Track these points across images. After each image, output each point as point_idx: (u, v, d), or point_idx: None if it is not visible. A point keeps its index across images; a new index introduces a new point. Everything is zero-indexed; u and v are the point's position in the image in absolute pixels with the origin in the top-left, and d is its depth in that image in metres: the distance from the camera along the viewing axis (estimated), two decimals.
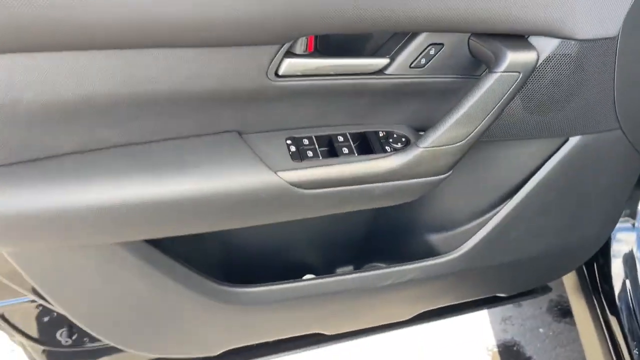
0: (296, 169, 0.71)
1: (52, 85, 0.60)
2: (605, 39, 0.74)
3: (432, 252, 0.98)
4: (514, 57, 0.68)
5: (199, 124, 0.72)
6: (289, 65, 0.68)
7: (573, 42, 0.73)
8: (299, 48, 0.69)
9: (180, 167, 0.69)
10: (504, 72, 0.69)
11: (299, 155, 0.73)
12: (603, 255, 1.26)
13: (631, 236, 1.27)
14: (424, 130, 0.78)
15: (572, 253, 1.06)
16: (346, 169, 0.73)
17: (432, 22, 0.67)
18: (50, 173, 0.66)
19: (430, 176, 0.76)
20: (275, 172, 0.70)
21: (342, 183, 0.73)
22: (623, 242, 1.25)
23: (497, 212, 0.92)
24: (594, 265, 1.29)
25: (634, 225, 1.24)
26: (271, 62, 0.66)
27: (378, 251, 1.06)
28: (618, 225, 1.25)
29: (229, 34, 0.61)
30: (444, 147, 0.73)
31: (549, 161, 0.87)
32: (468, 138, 0.73)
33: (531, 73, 0.71)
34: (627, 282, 1.24)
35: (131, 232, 0.72)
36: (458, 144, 0.73)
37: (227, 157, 0.71)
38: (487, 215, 0.94)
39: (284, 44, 0.65)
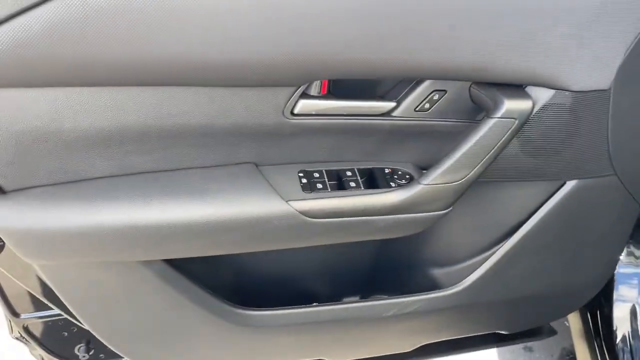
0: (306, 199, 0.78)
1: (91, 116, 0.68)
2: (598, 91, 0.80)
3: (434, 287, 1.02)
4: (511, 105, 0.75)
5: (221, 155, 0.79)
6: (303, 105, 0.75)
7: (567, 93, 0.79)
8: (314, 90, 0.76)
9: (202, 193, 0.76)
10: (500, 118, 0.75)
11: (309, 187, 0.79)
12: (606, 299, 1.28)
13: (634, 280, 1.30)
14: (426, 168, 0.84)
15: (571, 295, 1.10)
16: (352, 201, 0.79)
17: (435, 72, 0.74)
18: (84, 194, 0.74)
19: (430, 212, 0.82)
20: (286, 201, 0.77)
21: (348, 214, 0.79)
22: (627, 286, 1.27)
23: (497, 250, 0.97)
24: (597, 309, 1.32)
25: None
26: (288, 101, 0.74)
27: (382, 284, 1.11)
28: (622, 270, 1.28)
29: (252, 76, 0.68)
30: (444, 185, 0.78)
31: (547, 203, 0.92)
32: (466, 178, 0.78)
33: (527, 120, 0.77)
34: (629, 328, 1.27)
35: (154, 251, 0.78)
36: (457, 182, 0.79)
37: (245, 186, 0.78)
38: (488, 253, 0.98)
39: (299, 86, 0.73)
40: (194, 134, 0.74)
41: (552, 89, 0.79)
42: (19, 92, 0.64)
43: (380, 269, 1.09)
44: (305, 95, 0.75)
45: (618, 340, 1.27)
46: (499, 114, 0.75)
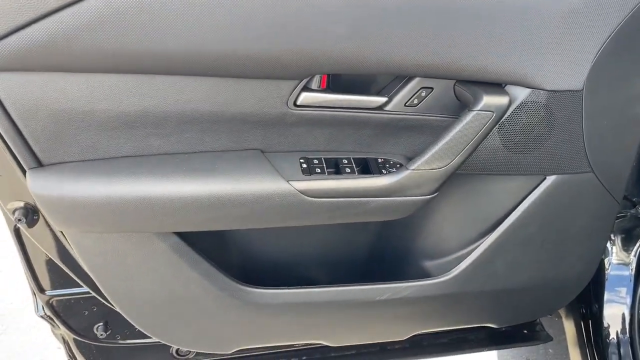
0: (305, 179, 0.87)
1: (119, 100, 0.79)
2: (571, 91, 0.89)
3: (426, 276, 1.10)
4: (489, 100, 0.84)
5: (230, 141, 0.89)
6: (305, 97, 0.86)
7: (542, 92, 0.88)
8: (315, 84, 0.86)
9: (213, 172, 0.86)
10: (479, 110, 0.84)
11: (309, 171, 0.89)
12: (599, 305, 1.33)
13: (624, 285, 1.35)
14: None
15: (557, 289, 1.16)
16: (347, 183, 0.88)
17: (423, 70, 0.84)
18: (110, 171, 0.84)
19: (417, 195, 0.90)
20: (287, 181, 0.86)
21: (342, 194, 0.89)
22: (616, 292, 1.32)
23: (483, 242, 1.04)
24: (589, 317, 1.36)
25: (632, 270, 1.31)
26: (291, 93, 0.84)
27: (377, 275, 1.18)
28: (614, 271, 1.34)
29: (260, 69, 0.79)
30: (429, 170, 0.87)
31: (528, 197, 1.00)
32: (449, 165, 0.87)
33: (504, 113, 0.86)
34: (619, 334, 1.31)
35: (168, 223, 0.88)
36: (440, 169, 0.88)
37: (250, 168, 0.88)
38: (475, 244, 1.06)
39: (302, 80, 0.83)
40: (206, 120, 0.84)
41: (528, 87, 0.88)
42: (60, 76, 0.76)
43: (374, 260, 1.18)
44: (306, 88, 0.85)
45: (609, 346, 1.31)
46: (478, 107, 0.84)
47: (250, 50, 0.76)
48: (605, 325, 1.31)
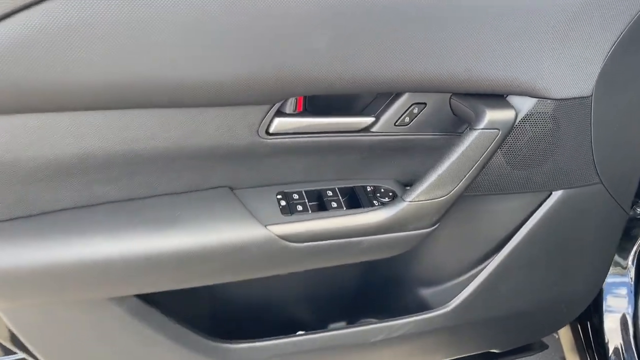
0: (286, 222, 0.73)
1: (51, 143, 0.63)
2: (579, 98, 0.78)
3: (423, 307, 0.98)
4: (493, 115, 0.72)
5: (193, 180, 0.74)
6: (279, 123, 0.71)
7: (549, 102, 0.77)
8: (289, 108, 0.72)
9: (174, 222, 0.71)
10: (483, 129, 0.72)
11: (289, 209, 0.75)
12: (596, 310, 1.26)
13: (622, 290, 1.28)
14: (410, 185, 0.80)
15: (563, 307, 1.07)
16: (334, 222, 0.75)
17: (414, 84, 0.71)
18: (46, 228, 0.68)
19: (416, 230, 0.78)
20: (265, 226, 0.72)
21: (330, 236, 0.75)
22: (615, 296, 1.25)
23: (486, 266, 0.94)
24: (587, 321, 1.29)
25: (631, 279, 1.25)
26: (262, 121, 0.70)
27: (370, 307, 1.06)
28: (610, 279, 1.26)
29: (222, 95, 0.64)
30: (429, 201, 0.75)
31: (534, 215, 0.89)
32: (451, 193, 0.75)
33: (510, 130, 0.75)
34: (620, 339, 1.24)
35: (124, 287, 0.73)
36: (442, 198, 0.75)
37: (219, 212, 0.73)
38: (476, 269, 0.95)
39: (274, 104, 0.69)
40: (162, 159, 0.69)
41: (534, 97, 0.76)
42: None
43: (366, 291, 1.05)
44: (280, 113, 0.72)
45: (610, 352, 1.24)
46: (481, 125, 0.72)
47: (209, 75, 0.62)
48: (606, 330, 1.24)
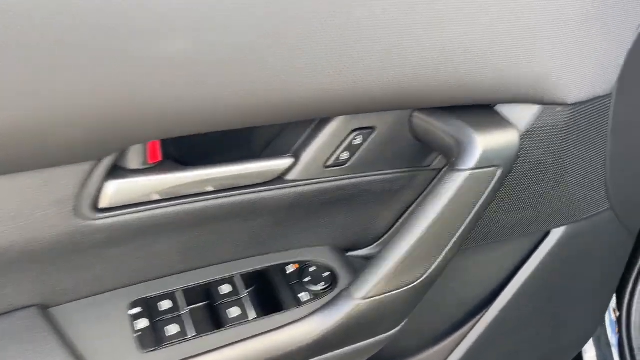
0: None
1: None
2: (598, 98, 0.51)
3: None
4: (487, 143, 0.43)
5: None
6: (117, 190, 0.39)
7: (559, 109, 0.49)
8: (134, 160, 0.39)
9: None
10: (473, 169, 0.43)
11: (154, 338, 0.42)
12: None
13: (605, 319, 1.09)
14: (355, 249, 0.51)
15: (561, 350, 0.84)
16: (237, 352, 0.43)
17: (351, 102, 0.40)
18: None
19: (373, 337, 0.48)
20: None
21: None
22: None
23: (473, 328, 0.69)
24: None
25: (614, 311, 1.07)
26: (82, 190, 0.37)
27: None
28: None
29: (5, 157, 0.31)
30: (391, 293, 0.45)
31: (529, 262, 0.64)
32: (426, 275, 0.46)
33: (513, 163, 0.46)
34: None
35: None
36: (411, 285, 0.46)
37: (20, 354, 0.40)
38: (462, 331, 0.69)
39: (101, 159, 0.36)
40: None
41: (538, 104, 0.48)
42: None
43: None
44: (118, 171, 0.39)
45: None
46: (470, 163, 0.43)
47: None
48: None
